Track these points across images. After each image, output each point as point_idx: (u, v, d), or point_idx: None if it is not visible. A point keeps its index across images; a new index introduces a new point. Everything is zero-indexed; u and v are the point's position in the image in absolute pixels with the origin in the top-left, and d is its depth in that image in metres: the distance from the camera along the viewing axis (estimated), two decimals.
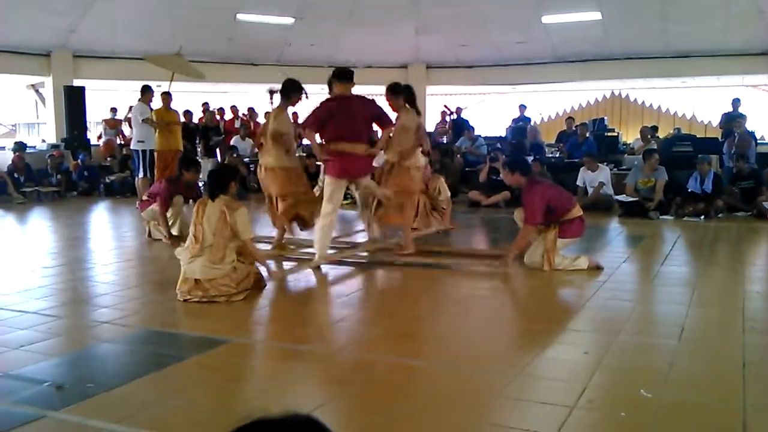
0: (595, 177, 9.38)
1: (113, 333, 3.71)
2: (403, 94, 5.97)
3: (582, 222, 5.42)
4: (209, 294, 4.29)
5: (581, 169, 9.56)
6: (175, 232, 6.70)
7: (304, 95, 5.91)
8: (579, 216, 5.38)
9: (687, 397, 2.84)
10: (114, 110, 14.13)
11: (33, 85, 14.83)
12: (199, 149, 12.73)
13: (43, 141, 14.15)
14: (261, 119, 12.46)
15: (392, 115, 5.93)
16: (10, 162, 11.36)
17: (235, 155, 11.85)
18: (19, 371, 3.06)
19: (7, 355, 3.30)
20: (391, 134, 5.72)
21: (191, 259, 4.36)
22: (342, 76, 5.47)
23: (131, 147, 10.29)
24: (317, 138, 5.51)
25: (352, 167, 5.44)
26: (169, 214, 6.73)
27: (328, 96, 5.55)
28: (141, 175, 9.75)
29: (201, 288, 4.30)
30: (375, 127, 5.77)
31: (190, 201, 6.74)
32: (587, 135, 11.34)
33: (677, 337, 3.61)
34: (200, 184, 7.45)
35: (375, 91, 6.76)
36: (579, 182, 9.42)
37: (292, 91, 5.80)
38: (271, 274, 4.93)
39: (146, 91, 9.67)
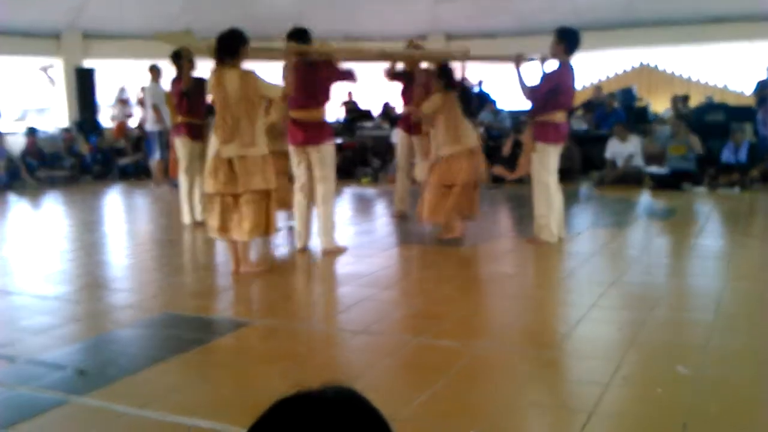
0: (625, 148, 9.13)
1: (133, 317, 3.68)
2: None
3: (557, 130, 5.01)
4: (241, 189, 4.22)
5: (610, 139, 9.31)
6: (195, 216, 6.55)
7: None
8: (559, 123, 5.00)
9: (725, 373, 2.74)
10: (123, 90, 14.04)
11: (43, 68, 14.84)
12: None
13: (55, 126, 14.17)
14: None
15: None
16: (23, 147, 11.32)
17: None
18: (41, 357, 3.05)
19: (29, 340, 3.29)
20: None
21: (222, 145, 4.27)
22: (290, 38, 4.90)
23: (147, 128, 10.17)
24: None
25: (294, 134, 5.01)
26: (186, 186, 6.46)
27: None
28: (157, 156, 9.61)
29: (233, 181, 4.23)
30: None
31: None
32: (615, 105, 11.04)
33: (713, 311, 3.48)
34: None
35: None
36: (608, 154, 9.18)
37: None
38: None
39: (156, 71, 9.52)
